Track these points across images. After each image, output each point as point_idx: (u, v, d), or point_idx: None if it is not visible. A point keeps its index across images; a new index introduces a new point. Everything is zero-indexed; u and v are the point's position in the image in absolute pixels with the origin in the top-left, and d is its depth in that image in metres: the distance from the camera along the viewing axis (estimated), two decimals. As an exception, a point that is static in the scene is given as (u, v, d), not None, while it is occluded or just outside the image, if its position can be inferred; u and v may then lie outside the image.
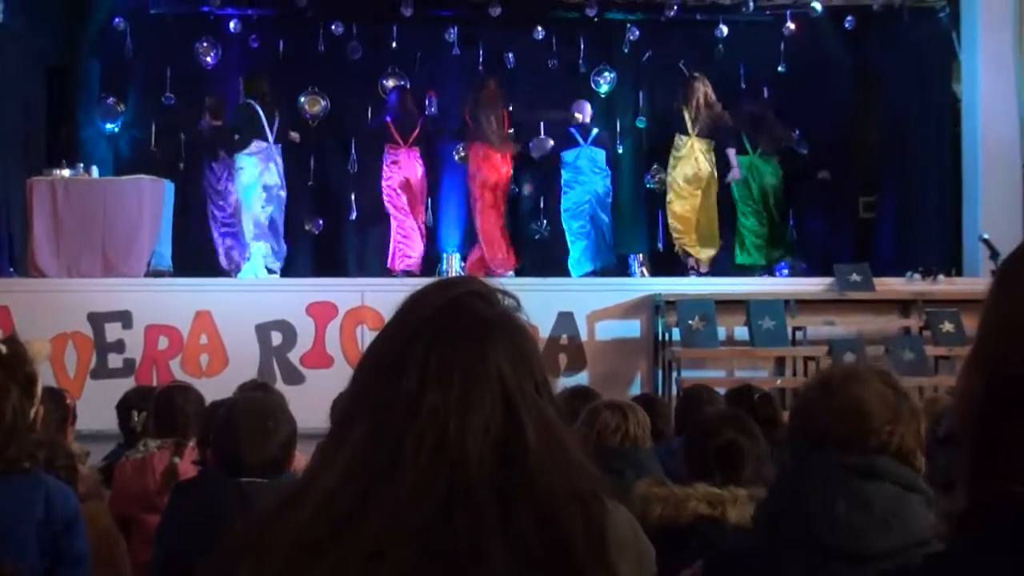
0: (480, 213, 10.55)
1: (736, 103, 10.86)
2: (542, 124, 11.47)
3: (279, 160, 10.17)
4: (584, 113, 10.87)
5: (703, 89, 10.56)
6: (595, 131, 10.76)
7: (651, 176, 11.60)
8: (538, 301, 8.57)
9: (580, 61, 11.69)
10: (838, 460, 2.23)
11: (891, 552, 2.13)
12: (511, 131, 10.97)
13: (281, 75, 11.10)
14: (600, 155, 10.71)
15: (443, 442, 1.34)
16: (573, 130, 10.77)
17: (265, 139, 10.06)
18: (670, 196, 10.73)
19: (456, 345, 1.39)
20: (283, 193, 10.21)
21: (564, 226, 10.75)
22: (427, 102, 11.35)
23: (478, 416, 1.35)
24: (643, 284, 9.83)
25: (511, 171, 10.68)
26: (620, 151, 11.69)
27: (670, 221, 10.79)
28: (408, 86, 11.42)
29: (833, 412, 2.29)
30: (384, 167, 10.62)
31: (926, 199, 10.80)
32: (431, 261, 10.85)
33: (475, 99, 10.63)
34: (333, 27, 11.34)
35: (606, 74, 11.75)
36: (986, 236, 8.89)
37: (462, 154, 10.94)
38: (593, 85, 11.71)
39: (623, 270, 10.92)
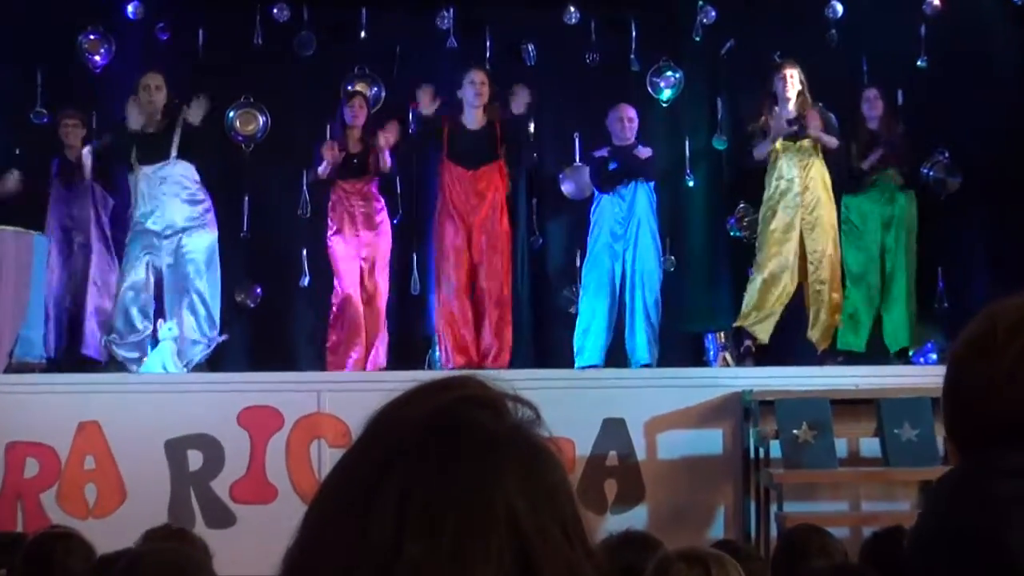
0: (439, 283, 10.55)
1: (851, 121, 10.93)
2: (577, 147, 11.49)
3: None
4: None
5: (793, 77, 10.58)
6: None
7: (735, 220, 11.61)
8: (573, 403, 8.90)
9: (632, 56, 11.69)
10: None
11: None
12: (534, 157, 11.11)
13: (202, 80, 11.14)
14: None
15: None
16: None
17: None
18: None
19: (447, 474, 1.41)
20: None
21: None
22: (411, 116, 11.33)
23: (480, 575, 1.36)
24: (726, 377, 9.86)
25: (503, 209, 10.55)
26: (691, 184, 11.72)
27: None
28: (382, 94, 11.50)
29: (1001, 381, 2.00)
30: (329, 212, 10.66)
31: None
32: (414, 348, 10.89)
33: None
34: (275, 11, 11.38)
35: (669, 74, 11.76)
36: None
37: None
38: (651, 89, 11.74)
39: (697, 356, 10.94)
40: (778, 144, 10.57)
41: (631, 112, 10.81)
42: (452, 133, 10.48)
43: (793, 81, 10.56)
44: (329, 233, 10.61)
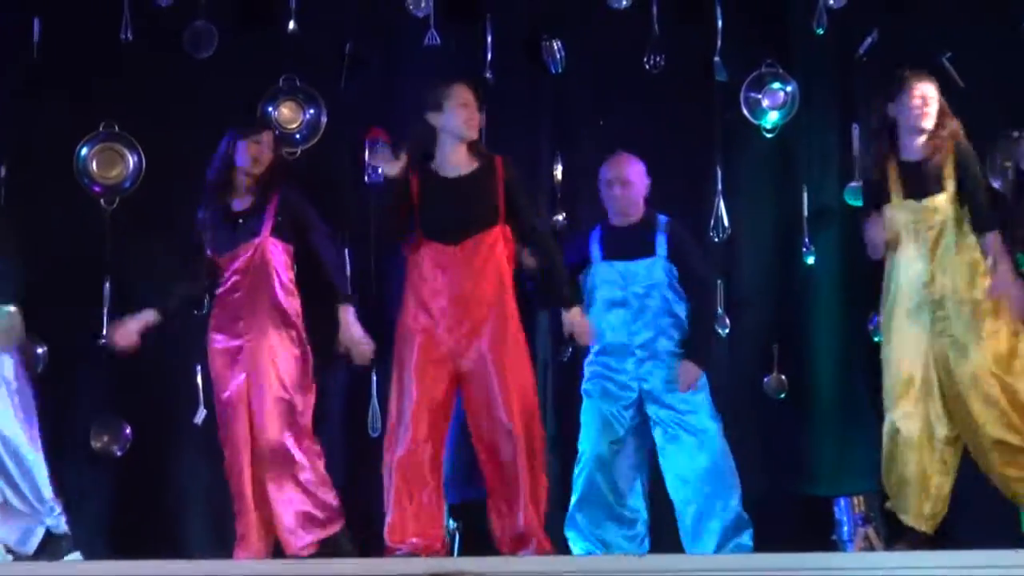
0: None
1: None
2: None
3: None
4: None
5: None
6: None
7: (880, 317, 11.22)
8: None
9: (716, 58, 11.49)
10: None
11: None
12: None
13: (38, 95, 11.26)
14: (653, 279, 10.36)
15: None
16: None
17: None
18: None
19: None
20: None
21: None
22: (366, 147, 10.84)
23: None
24: (868, 569, 9.08)
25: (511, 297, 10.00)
26: (810, 261, 11.33)
27: None
28: (322, 118, 11.48)
29: None
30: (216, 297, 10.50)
31: None
32: (372, 520, 10.34)
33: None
34: (155, -8, 11.82)
35: (776, 87, 11.62)
36: None
37: None
38: (747, 111, 11.59)
39: (822, 533, 10.54)
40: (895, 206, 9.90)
41: (630, 168, 10.25)
42: (425, 190, 9.75)
43: (927, 106, 9.77)
44: (209, 328, 10.36)
